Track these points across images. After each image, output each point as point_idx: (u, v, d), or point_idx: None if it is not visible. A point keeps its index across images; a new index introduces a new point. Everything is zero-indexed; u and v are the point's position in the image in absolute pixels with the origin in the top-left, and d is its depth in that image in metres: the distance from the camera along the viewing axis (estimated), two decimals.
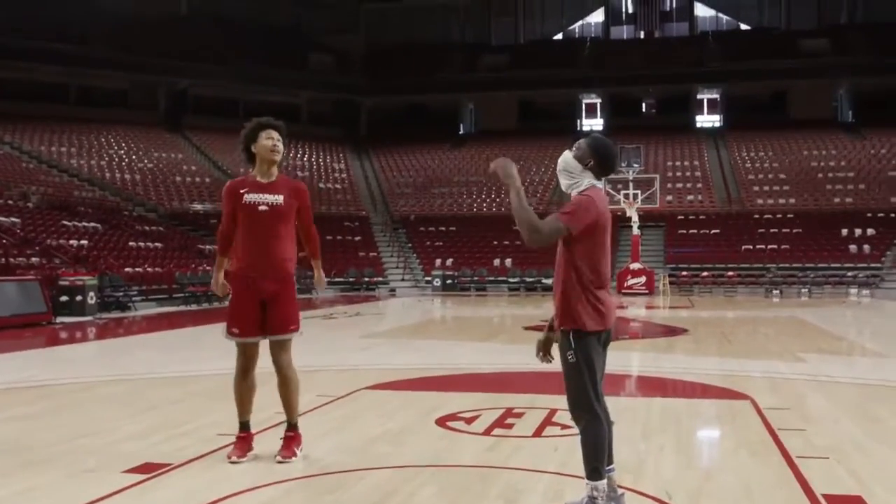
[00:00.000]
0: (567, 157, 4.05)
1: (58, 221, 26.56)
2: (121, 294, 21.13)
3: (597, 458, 3.88)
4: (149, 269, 24.21)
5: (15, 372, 9.60)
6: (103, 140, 39.37)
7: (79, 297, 18.23)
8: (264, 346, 5.31)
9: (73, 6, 40.65)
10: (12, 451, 5.46)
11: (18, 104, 39.28)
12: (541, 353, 4.18)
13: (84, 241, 25.02)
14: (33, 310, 16.44)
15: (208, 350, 12.34)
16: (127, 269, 23.16)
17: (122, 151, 38.88)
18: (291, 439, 5.26)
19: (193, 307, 22.62)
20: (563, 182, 4.08)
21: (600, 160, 4.01)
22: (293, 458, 5.14)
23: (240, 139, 5.32)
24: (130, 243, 26.85)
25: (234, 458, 5.12)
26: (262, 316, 5.22)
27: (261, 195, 5.19)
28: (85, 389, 8.27)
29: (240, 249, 5.23)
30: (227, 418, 5.91)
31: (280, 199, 5.19)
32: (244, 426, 5.30)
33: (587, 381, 3.89)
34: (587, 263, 3.91)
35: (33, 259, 21.50)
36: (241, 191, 5.23)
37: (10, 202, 27.21)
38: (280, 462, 5.09)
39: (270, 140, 5.23)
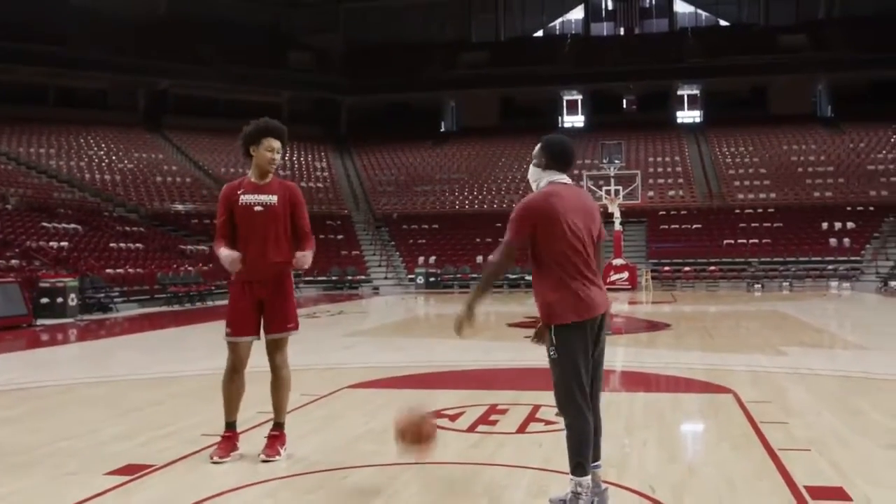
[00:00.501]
0: (530, 170, 4.26)
1: (37, 223, 26.36)
2: (102, 295, 21.00)
3: (581, 453, 3.89)
4: (130, 270, 24.07)
5: None
6: (83, 141, 39.09)
7: (59, 299, 18.12)
8: (257, 347, 5.31)
9: (51, 7, 40.31)
10: None
11: None
12: (536, 340, 4.19)
13: (64, 243, 24.84)
14: (13, 312, 16.33)
15: (191, 351, 12.31)
16: (108, 271, 23.02)
17: (102, 152, 38.61)
18: (276, 438, 5.27)
19: (175, 308, 22.51)
20: (533, 189, 4.23)
21: (551, 154, 4.16)
22: (277, 458, 5.15)
23: (241, 136, 5.34)
24: (111, 244, 26.68)
25: (216, 458, 5.11)
26: (258, 316, 5.26)
27: (256, 196, 5.26)
28: (66, 392, 8.22)
29: (241, 250, 5.25)
30: (210, 419, 5.89)
31: (274, 199, 5.26)
32: (230, 426, 5.30)
33: (570, 376, 3.90)
34: (553, 258, 3.96)
35: (13, 261, 21.33)
36: (238, 192, 5.29)
37: None
38: (264, 461, 5.09)
39: (271, 152, 5.31)
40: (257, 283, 5.23)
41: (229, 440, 5.25)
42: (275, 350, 5.30)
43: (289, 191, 5.37)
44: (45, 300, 17.92)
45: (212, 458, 5.13)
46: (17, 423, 6.57)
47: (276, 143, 5.33)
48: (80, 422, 6.55)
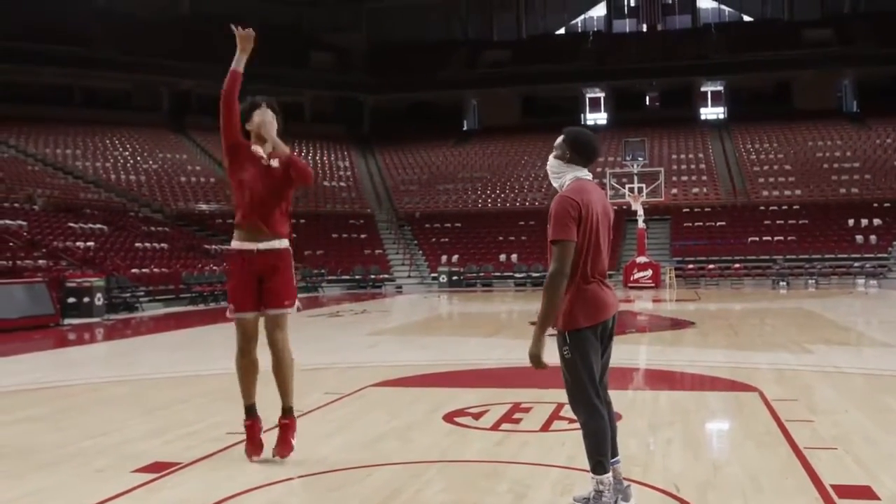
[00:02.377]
0: (550, 161, 4.13)
1: (64, 223, 26.63)
2: (128, 295, 21.19)
3: (599, 451, 3.88)
4: (155, 270, 24.26)
5: (24, 374, 9.64)
6: (108, 142, 39.42)
7: (86, 299, 18.28)
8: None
9: (75, 9, 40.69)
10: (22, 452, 5.49)
11: (23, 107, 39.35)
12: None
13: (90, 243, 25.07)
14: (41, 312, 16.49)
15: (215, 350, 12.38)
16: (133, 270, 23.21)
17: (127, 153, 38.93)
18: (287, 428, 5.14)
19: (200, 307, 22.66)
20: (554, 185, 4.14)
21: (575, 147, 4.05)
22: (291, 453, 5.07)
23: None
24: (137, 244, 26.90)
25: (254, 458, 5.08)
26: (259, 291, 5.14)
27: (262, 152, 5.18)
28: (93, 390, 8.30)
29: (238, 214, 5.18)
30: (234, 418, 5.92)
31: (276, 162, 5.15)
32: (249, 411, 5.21)
33: (584, 376, 3.89)
34: (577, 260, 3.90)
35: (40, 261, 21.56)
36: (246, 144, 5.23)
37: (16, 205, 27.28)
38: (280, 460, 5.03)
39: (260, 116, 5.23)
40: (256, 255, 5.09)
41: (253, 432, 5.16)
42: (273, 327, 5.14)
43: (287, 158, 5.19)
44: (71, 300, 18.09)
45: (250, 458, 5.09)
46: (44, 422, 6.64)
47: (269, 113, 5.27)
48: (106, 420, 6.61)
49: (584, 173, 4.04)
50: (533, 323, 13.09)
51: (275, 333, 5.15)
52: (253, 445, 5.16)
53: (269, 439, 5.41)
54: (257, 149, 5.20)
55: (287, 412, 5.19)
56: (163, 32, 42.84)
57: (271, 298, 5.12)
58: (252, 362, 5.22)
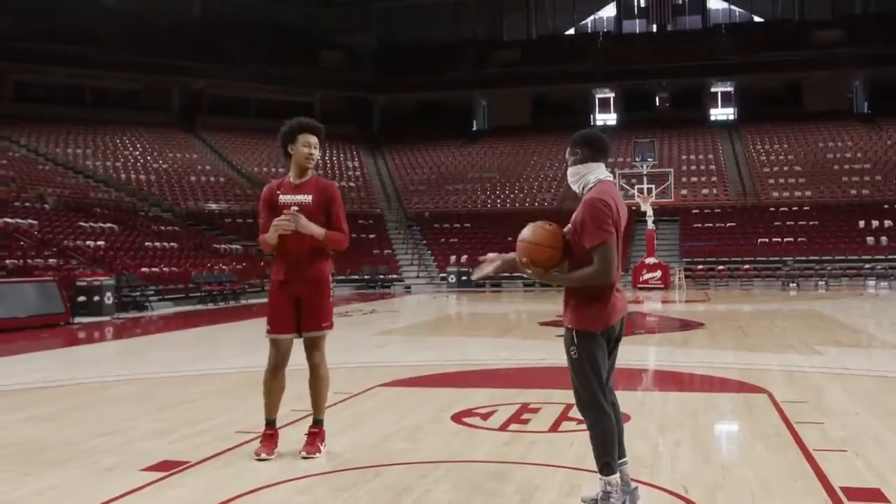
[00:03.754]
0: (569, 170, 4.12)
1: (74, 223, 26.73)
2: (137, 294, 21.24)
3: (607, 452, 3.88)
4: (165, 269, 24.32)
5: (34, 372, 9.67)
6: (118, 141, 39.56)
7: (96, 298, 18.35)
8: (297, 345, 5.38)
9: (86, 10, 40.88)
10: (33, 450, 5.52)
11: (34, 107, 39.59)
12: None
13: (101, 242, 25.16)
14: (51, 310, 16.56)
15: (225, 349, 12.43)
16: (143, 269, 23.27)
17: (137, 152, 39.07)
18: (316, 435, 5.34)
19: (210, 306, 22.71)
20: (576, 189, 4.10)
21: (589, 144, 4.05)
22: (317, 454, 5.22)
23: (279, 136, 5.38)
24: (146, 243, 26.99)
25: (263, 455, 5.16)
26: (296, 314, 5.31)
27: (293, 196, 5.29)
28: (103, 389, 8.33)
29: (278, 252, 5.32)
30: (244, 416, 5.94)
31: (309, 198, 5.28)
32: (270, 423, 5.35)
33: (591, 377, 3.89)
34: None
35: (51, 260, 21.64)
36: (277, 192, 5.35)
37: (27, 204, 27.40)
38: (305, 457, 5.17)
39: (308, 147, 5.31)
40: (294, 282, 5.28)
41: (271, 437, 5.30)
42: (312, 348, 5.35)
43: (325, 190, 5.35)
44: (82, 299, 18.16)
45: (258, 454, 5.17)
46: (54, 420, 6.67)
47: (313, 139, 5.33)
48: (116, 418, 6.64)
49: (605, 173, 4.04)
50: (542, 324, 13.02)
51: (313, 353, 5.38)
52: (264, 445, 5.26)
53: (280, 436, 5.43)
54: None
55: (317, 423, 5.41)
56: (173, 33, 43.01)
57: (310, 323, 5.32)
58: (282, 382, 5.41)
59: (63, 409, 7.17)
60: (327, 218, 5.31)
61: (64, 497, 4.47)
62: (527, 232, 3.98)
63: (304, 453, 5.22)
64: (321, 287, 5.33)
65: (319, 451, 5.26)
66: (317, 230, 5.19)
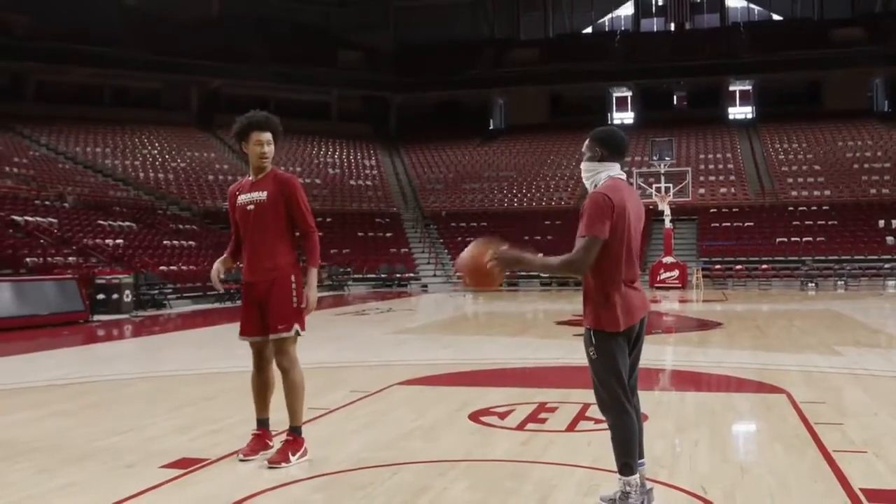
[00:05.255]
0: (583, 165, 4.08)
1: (94, 221, 26.91)
2: (156, 292, 21.37)
3: (627, 453, 3.86)
4: (183, 267, 24.46)
5: (54, 370, 9.75)
6: (137, 140, 39.82)
7: (115, 296, 18.48)
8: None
9: (106, 10, 41.13)
10: (53, 447, 5.56)
11: (54, 106, 39.92)
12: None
13: (119, 241, 25.32)
14: (71, 308, 16.68)
15: (242, 347, 12.42)
16: (162, 268, 23.41)
17: (156, 151, 39.31)
18: (288, 444, 5.05)
19: (227, 304, 22.79)
20: (587, 185, 4.07)
21: (606, 143, 4.01)
22: (283, 464, 4.91)
23: (232, 134, 5.25)
24: (165, 242, 27.14)
25: (241, 456, 5.04)
26: (261, 316, 5.16)
27: (249, 195, 5.15)
28: (123, 386, 8.38)
29: (243, 253, 5.26)
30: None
31: (264, 194, 5.08)
32: (260, 423, 5.24)
33: (611, 377, 3.87)
34: (610, 262, 3.86)
35: (70, 258, 21.80)
36: (237, 194, 5.25)
37: (47, 203, 27.62)
38: (269, 468, 4.89)
39: (260, 146, 5.10)
40: (255, 283, 5.14)
41: (259, 438, 5.18)
42: (275, 351, 5.12)
43: (281, 184, 5.09)
44: (101, 296, 18.29)
45: (239, 455, 5.07)
46: (74, 417, 6.72)
47: (266, 136, 5.11)
48: (135, 416, 6.68)
49: (618, 171, 4.01)
50: (558, 323, 12.96)
51: (277, 358, 5.15)
52: (248, 445, 5.14)
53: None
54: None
55: (291, 431, 5.12)
56: (192, 32, 43.19)
57: (268, 324, 5.13)
58: (266, 382, 5.27)
59: (83, 406, 7.22)
60: (288, 214, 5.10)
61: (84, 493, 4.50)
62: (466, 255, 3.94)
63: (267, 463, 4.93)
64: (278, 284, 5.08)
65: (288, 461, 4.93)
66: (313, 281, 5.13)
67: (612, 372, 3.86)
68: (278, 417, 5.29)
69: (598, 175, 4.01)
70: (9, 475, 4.86)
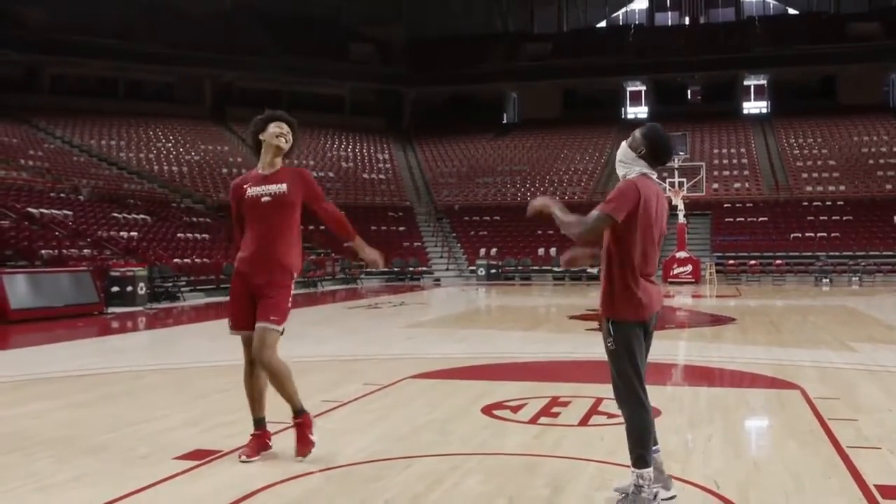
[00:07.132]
0: (622, 147, 4.10)
1: (108, 214, 27.04)
2: (170, 284, 21.46)
3: (642, 445, 3.88)
4: (196, 260, 24.54)
5: (69, 361, 9.81)
6: (151, 133, 39.97)
7: (129, 288, 18.56)
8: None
9: (120, 3, 41.29)
10: (68, 437, 5.60)
11: (69, 99, 40.13)
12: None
13: (134, 233, 25.44)
14: (86, 300, 16.77)
15: None
16: (175, 260, 23.49)
17: (170, 144, 39.45)
18: (301, 428, 5.01)
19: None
20: (619, 172, 4.11)
21: (651, 147, 4.03)
22: (312, 448, 4.93)
23: (248, 129, 5.23)
24: (179, 234, 27.24)
25: (243, 458, 4.94)
26: (254, 309, 5.03)
27: (264, 187, 5.05)
28: (137, 378, 8.43)
29: (242, 244, 5.13)
30: (273, 407, 5.96)
31: (283, 187, 5.03)
32: (257, 423, 5.13)
33: (629, 368, 3.91)
34: (631, 253, 3.91)
35: (85, 251, 21.91)
36: (244, 186, 5.13)
37: (62, 195, 27.77)
38: (302, 460, 4.89)
39: (279, 128, 5.11)
40: (253, 274, 5.02)
41: (258, 439, 5.09)
42: (260, 344, 4.92)
43: (299, 176, 5.13)
44: (115, 289, 18.37)
45: (240, 457, 4.97)
46: (89, 408, 6.76)
47: (285, 127, 5.13)
48: (149, 407, 6.71)
49: (652, 173, 4.05)
50: (571, 317, 13.00)
51: (257, 350, 4.96)
52: (248, 446, 5.06)
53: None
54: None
55: (297, 413, 5.05)
56: (205, 26, 43.32)
57: (258, 314, 4.99)
58: (259, 381, 5.14)
59: (99, 397, 7.26)
60: (309, 202, 5.10)
61: (99, 483, 4.52)
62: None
63: (298, 457, 4.91)
64: (278, 277, 4.99)
65: (312, 444, 4.94)
66: (363, 244, 5.19)
67: (630, 363, 3.90)
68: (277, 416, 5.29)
69: (631, 169, 4.04)
70: (25, 465, 4.89)
